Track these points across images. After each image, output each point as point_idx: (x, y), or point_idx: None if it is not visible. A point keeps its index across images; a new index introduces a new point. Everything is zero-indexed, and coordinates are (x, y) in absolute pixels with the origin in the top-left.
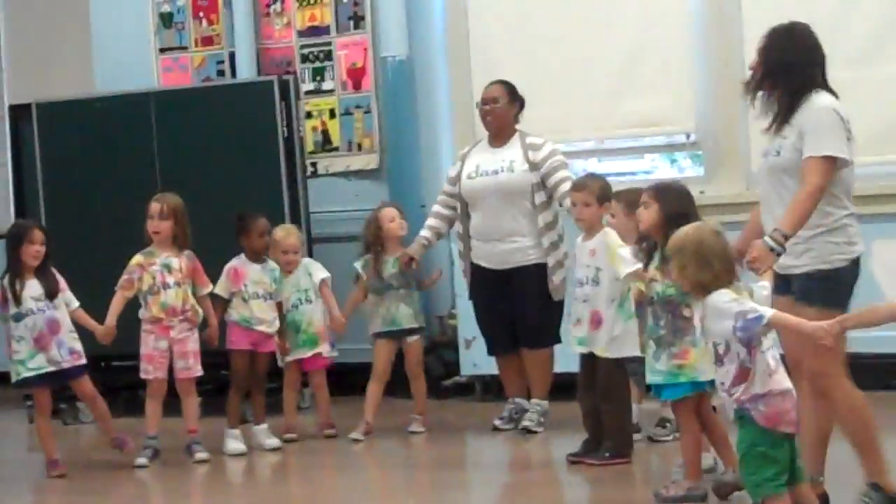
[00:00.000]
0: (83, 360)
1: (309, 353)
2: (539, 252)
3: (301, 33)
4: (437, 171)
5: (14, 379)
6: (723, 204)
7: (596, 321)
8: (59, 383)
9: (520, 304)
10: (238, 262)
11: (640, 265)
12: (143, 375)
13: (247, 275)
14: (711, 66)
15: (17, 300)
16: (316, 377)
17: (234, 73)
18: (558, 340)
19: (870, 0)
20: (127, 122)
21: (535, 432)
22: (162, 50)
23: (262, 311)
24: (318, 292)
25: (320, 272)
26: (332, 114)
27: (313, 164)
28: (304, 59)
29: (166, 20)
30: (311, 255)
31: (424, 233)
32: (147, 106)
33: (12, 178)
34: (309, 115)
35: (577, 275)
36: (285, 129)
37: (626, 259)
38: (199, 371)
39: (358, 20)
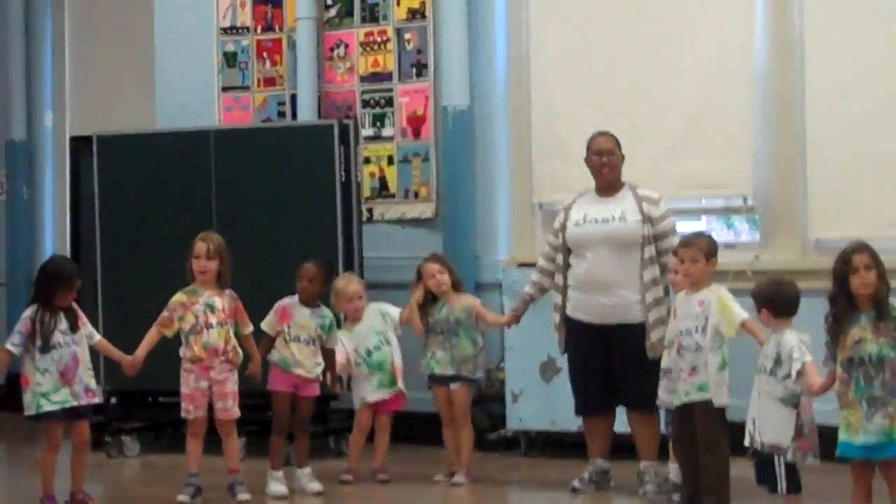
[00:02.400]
0: (97, 399)
1: (389, 395)
2: (642, 309)
3: (363, 79)
4: (493, 223)
5: (34, 411)
6: (778, 270)
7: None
8: (72, 419)
9: (621, 366)
10: (289, 301)
11: (746, 315)
12: (183, 414)
13: (293, 316)
14: (771, 131)
15: (49, 333)
16: (384, 418)
17: (294, 115)
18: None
19: None
20: (186, 159)
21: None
22: (224, 89)
23: (302, 354)
24: (395, 331)
25: (395, 310)
26: (391, 160)
27: (369, 210)
28: (365, 104)
29: (230, 59)
30: None
31: (528, 289)
32: (207, 143)
33: (70, 208)
34: (367, 160)
35: (684, 325)
36: (343, 173)
37: (738, 309)
38: (237, 413)
39: (421, 68)
